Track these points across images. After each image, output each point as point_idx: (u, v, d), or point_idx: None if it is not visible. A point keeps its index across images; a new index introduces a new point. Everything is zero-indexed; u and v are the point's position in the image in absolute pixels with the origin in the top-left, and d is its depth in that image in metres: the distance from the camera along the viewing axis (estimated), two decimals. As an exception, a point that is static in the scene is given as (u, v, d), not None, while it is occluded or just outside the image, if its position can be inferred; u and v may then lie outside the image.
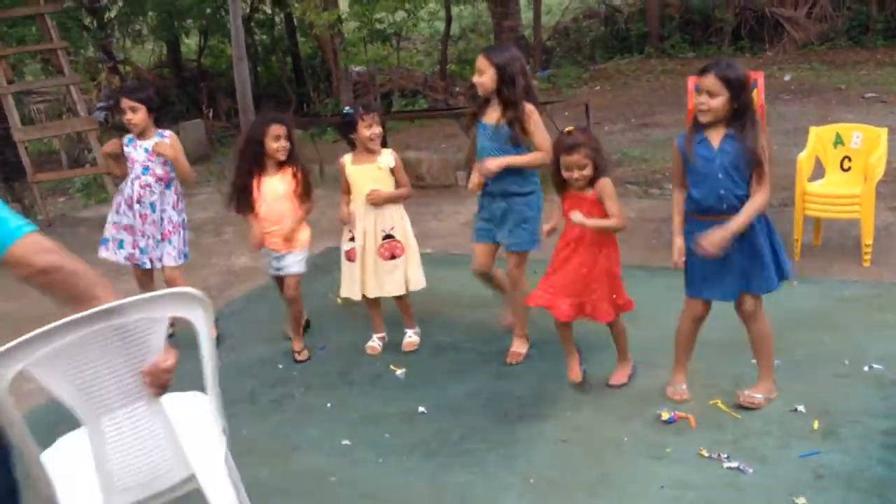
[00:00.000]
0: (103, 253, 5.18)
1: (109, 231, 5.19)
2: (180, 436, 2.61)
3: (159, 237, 5.09)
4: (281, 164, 4.79)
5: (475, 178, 4.64)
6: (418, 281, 4.94)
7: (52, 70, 11.92)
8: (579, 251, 4.10)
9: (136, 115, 4.98)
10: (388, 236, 4.79)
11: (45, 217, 8.88)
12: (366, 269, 4.82)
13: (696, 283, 3.99)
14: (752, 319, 3.96)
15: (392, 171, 4.79)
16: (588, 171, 3.99)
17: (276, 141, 4.72)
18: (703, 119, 3.75)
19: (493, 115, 4.50)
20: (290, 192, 4.81)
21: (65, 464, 2.67)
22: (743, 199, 3.75)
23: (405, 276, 4.87)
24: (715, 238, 3.70)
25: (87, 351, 2.27)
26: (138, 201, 5.07)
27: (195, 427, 2.79)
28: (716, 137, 3.77)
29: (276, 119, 4.83)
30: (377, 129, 4.74)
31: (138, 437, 2.50)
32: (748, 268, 3.84)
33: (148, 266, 5.14)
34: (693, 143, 3.82)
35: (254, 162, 4.79)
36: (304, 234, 4.95)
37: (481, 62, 4.46)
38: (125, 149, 5.10)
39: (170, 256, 5.12)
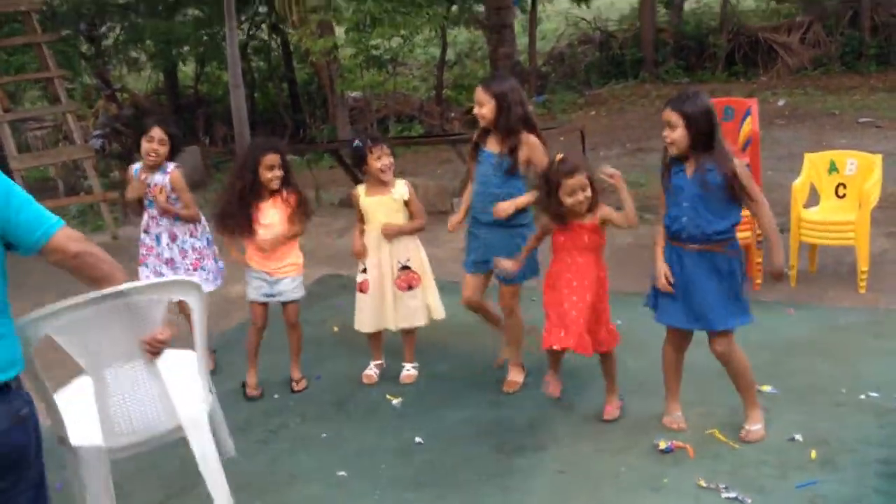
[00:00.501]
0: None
1: (141, 253, 5.14)
2: (171, 391, 3.22)
3: (183, 270, 5.03)
4: (274, 192, 4.78)
5: (456, 218, 4.70)
6: (439, 309, 4.93)
7: (49, 98, 11.96)
8: (581, 282, 4.06)
9: (163, 147, 4.96)
10: (405, 267, 4.79)
11: (41, 245, 8.85)
12: (385, 302, 4.81)
13: (659, 309, 4.05)
14: (724, 359, 3.94)
15: (406, 202, 4.80)
16: (590, 193, 3.99)
17: (270, 171, 4.70)
18: (671, 151, 3.82)
19: (495, 144, 4.52)
20: (284, 219, 4.79)
21: (73, 408, 3.28)
22: (710, 234, 3.77)
23: (426, 305, 4.88)
24: (778, 269, 3.81)
25: (102, 320, 2.92)
26: (145, 231, 5.09)
27: (183, 384, 3.37)
28: (690, 168, 3.81)
29: (271, 148, 4.77)
30: (387, 161, 4.71)
31: (135, 390, 3.14)
32: (702, 302, 3.84)
33: None
34: (671, 171, 3.88)
35: (249, 190, 4.74)
36: (298, 258, 4.91)
37: (480, 95, 4.48)
38: (133, 180, 5.09)
39: (206, 283, 5.02)
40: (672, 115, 3.75)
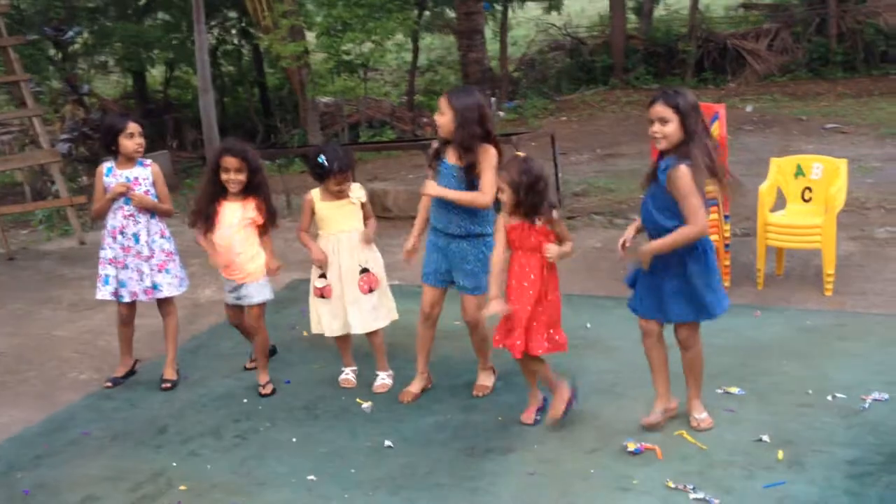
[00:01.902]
0: (98, 294, 5.09)
1: (100, 268, 5.08)
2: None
3: (150, 269, 5.00)
4: (237, 195, 4.73)
5: (410, 243, 4.70)
6: (394, 310, 4.96)
7: (16, 102, 11.83)
8: (532, 282, 4.06)
9: (143, 139, 5.00)
10: (364, 270, 4.77)
11: (7, 250, 8.75)
12: (347, 306, 4.77)
13: (632, 296, 4.11)
14: (685, 347, 4.04)
15: (363, 204, 4.79)
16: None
17: (227, 173, 4.66)
18: (660, 146, 3.81)
19: (454, 156, 4.49)
20: (245, 222, 4.74)
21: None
22: (660, 230, 3.82)
23: (387, 306, 4.88)
24: (643, 250, 3.86)
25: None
26: (121, 232, 4.99)
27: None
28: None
29: (227, 150, 4.74)
30: (346, 185, 4.70)
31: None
32: (666, 294, 3.91)
33: (126, 300, 5.05)
34: (657, 169, 3.90)
35: (213, 187, 4.74)
36: (260, 262, 4.85)
37: (442, 103, 4.46)
38: (105, 179, 4.99)
39: (170, 286, 5.06)
40: (666, 110, 3.73)
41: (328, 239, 4.77)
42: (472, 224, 4.47)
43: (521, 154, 4.11)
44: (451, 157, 4.50)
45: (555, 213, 4.03)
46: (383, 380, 4.94)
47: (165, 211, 5.10)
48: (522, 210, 4.00)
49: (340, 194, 4.72)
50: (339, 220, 4.74)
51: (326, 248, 4.76)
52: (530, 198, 3.95)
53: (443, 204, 4.50)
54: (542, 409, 4.33)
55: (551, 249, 4.00)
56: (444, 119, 4.43)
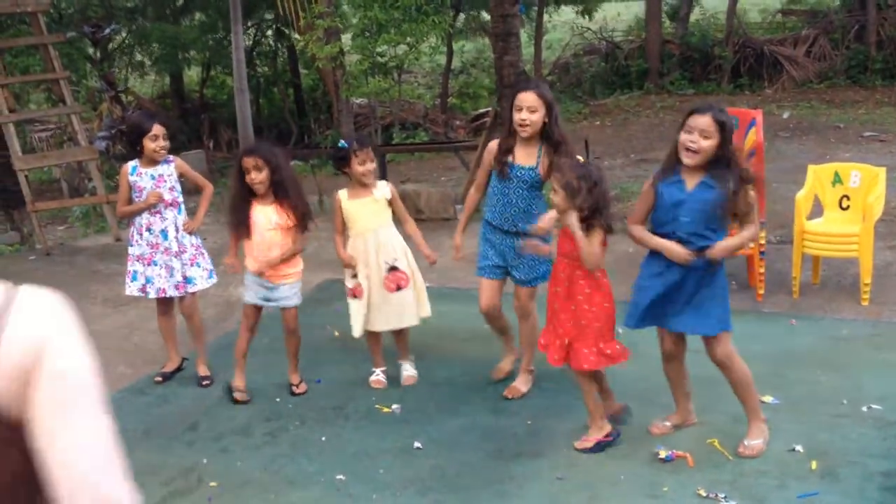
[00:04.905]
0: (126, 290, 5.18)
1: (128, 265, 5.15)
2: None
3: (181, 264, 5.05)
4: (264, 196, 4.72)
5: (457, 242, 4.72)
6: (426, 306, 4.90)
7: (54, 99, 11.98)
8: (569, 288, 3.95)
9: (167, 142, 5.04)
10: (393, 268, 4.77)
11: (44, 246, 8.86)
12: (371, 304, 4.78)
13: (639, 314, 3.95)
14: (723, 367, 3.89)
15: (389, 202, 4.78)
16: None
17: (248, 174, 4.66)
18: (691, 161, 3.66)
19: (524, 157, 4.40)
20: (280, 224, 4.73)
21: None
22: (702, 247, 3.70)
23: (416, 304, 4.85)
24: (717, 249, 3.69)
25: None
26: (148, 229, 5.05)
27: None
28: (691, 181, 3.72)
29: (245, 151, 4.77)
30: (371, 166, 4.67)
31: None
32: (690, 305, 3.80)
33: (152, 296, 5.11)
34: (665, 181, 3.79)
35: (240, 191, 4.75)
36: (297, 266, 4.87)
37: (532, 98, 4.24)
38: (130, 177, 5.05)
39: (202, 279, 5.15)
40: (710, 125, 3.60)
41: (356, 238, 4.78)
42: (527, 223, 4.31)
43: (580, 158, 4.04)
44: (523, 159, 4.41)
45: (600, 232, 3.80)
46: (409, 371, 4.95)
47: (204, 185, 5.21)
48: (576, 215, 3.79)
49: (365, 181, 4.68)
50: (366, 218, 4.73)
51: (356, 246, 4.77)
52: (588, 203, 3.75)
53: (509, 207, 4.46)
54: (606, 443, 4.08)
55: (544, 218, 3.95)
56: (537, 115, 4.28)
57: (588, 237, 3.79)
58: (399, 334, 4.96)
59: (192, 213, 5.27)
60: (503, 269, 4.64)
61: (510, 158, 4.43)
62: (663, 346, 4.05)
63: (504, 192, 4.48)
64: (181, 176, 5.12)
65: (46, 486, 1.21)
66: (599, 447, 4.02)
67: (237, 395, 4.86)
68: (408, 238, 4.88)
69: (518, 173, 4.42)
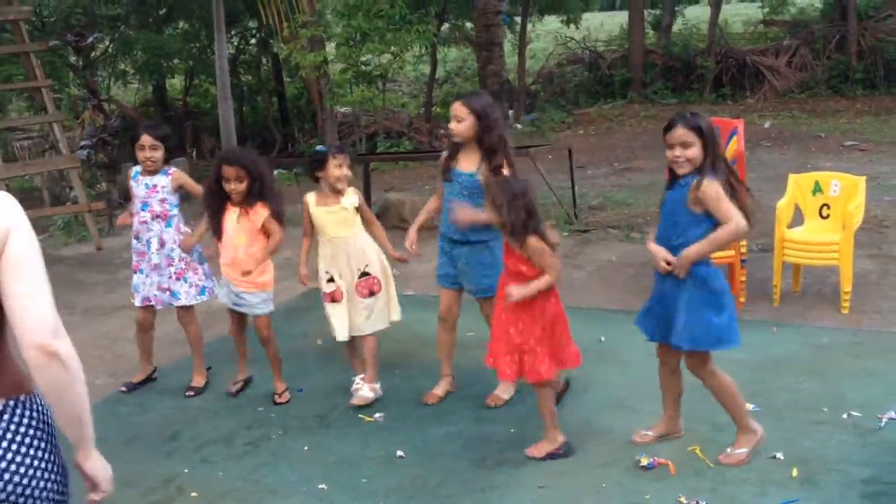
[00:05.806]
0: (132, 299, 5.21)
1: (134, 260, 5.16)
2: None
3: (167, 277, 5.02)
4: (238, 204, 4.73)
5: (411, 237, 4.70)
6: (396, 310, 4.88)
7: (36, 108, 11.92)
8: (511, 304, 3.93)
9: (157, 153, 4.97)
10: (364, 273, 4.75)
11: (25, 254, 8.79)
12: (349, 310, 4.76)
13: (639, 320, 4.02)
14: (700, 378, 3.90)
15: (357, 209, 4.76)
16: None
17: (227, 183, 4.66)
18: (682, 171, 3.71)
19: (466, 163, 4.50)
20: (246, 229, 4.73)
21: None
22: (677, 249, 3.72)
23: (387, 308, 4.83)
24: (678, 259, 3.72)
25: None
26: (136, 237, 5.06)
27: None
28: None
29: (226, 160, 4.76)
30: (346, 171, 4.67)
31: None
32: (672, 316, 3.80)
33: (138, 304, 5.10)
34: (669, 188, 3.86)
35: (216, 195, 4.77)
36: (266, 276, 4.86)
37: (459, 109, 4.44)
38: (130, 182, 5.09)
39: (188, 295, 5.06)
40: (688, 134, 3.64)
41: (327, 244, 4.77)
42: (479, 231, 4.42)
43: (505, 172, 4.08)
44: (464, 165, 4.51)
45: (532, 240, 3.82)
46: (364, 392, 4.79)
47: (198, 194, 5.14)
48: (506, 231, 3.87)
49: (339, 185, 4.65)
50: (334, 226, 4.72)
51: (325, 252, 4.76)
52: (511, 217, 3.80)
53: (449, 208, 4.52)
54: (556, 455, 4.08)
55: (512, 292, 3.86)
56: (464, 125, 4.43)
57: (524, 248, 3.84)
58: (365, 343, 4.83)
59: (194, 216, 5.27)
60: (456, 278, 4.68)
61: (453, 164, 4.56)
62: (657, 351, 4.07)
63: (449, 199, 4.56)
64: (180, 187, 5.06)
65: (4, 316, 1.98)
66: (551, 457, 4.03)
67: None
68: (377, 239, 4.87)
69: (459, 179, 4.53)
